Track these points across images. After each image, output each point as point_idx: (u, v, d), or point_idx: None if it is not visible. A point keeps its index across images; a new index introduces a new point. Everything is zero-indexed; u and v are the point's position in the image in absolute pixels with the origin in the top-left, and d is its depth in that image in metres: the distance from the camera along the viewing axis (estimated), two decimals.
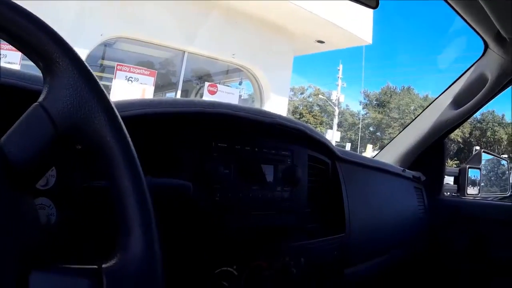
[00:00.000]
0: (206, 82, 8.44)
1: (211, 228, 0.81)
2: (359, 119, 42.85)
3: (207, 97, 8.03)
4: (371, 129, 44.32)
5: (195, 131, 0.81)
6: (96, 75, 0.49)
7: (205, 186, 0.80)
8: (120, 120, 0.48)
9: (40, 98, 0.45)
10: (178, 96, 7.93)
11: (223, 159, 0.83)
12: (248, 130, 0.90)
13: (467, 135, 40.52)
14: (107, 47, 7.24)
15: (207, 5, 7.11)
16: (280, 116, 0.94)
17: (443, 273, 1.81)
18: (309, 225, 1.05)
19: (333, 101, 32.28)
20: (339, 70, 32.66)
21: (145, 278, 0.43)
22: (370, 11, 8.15)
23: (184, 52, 7.83)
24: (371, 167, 1.40)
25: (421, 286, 1.83)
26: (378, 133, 44.09)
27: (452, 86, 1.85)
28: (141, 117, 0.72)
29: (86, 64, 0.47)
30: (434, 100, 1.94)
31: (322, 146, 1.09)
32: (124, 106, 0.71)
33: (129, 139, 0.48)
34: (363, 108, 46.25)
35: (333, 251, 1.07)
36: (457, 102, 1.84)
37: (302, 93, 44.26)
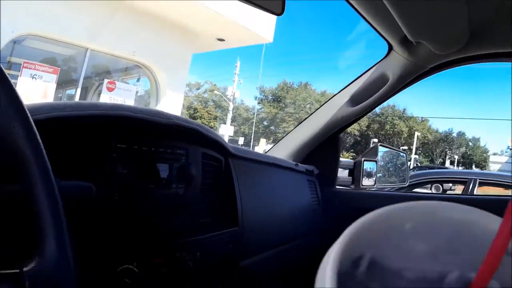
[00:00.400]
0: (105, 79, 8.91)
1: (112, 227, 0.91)
2: (253, 114, 44.44)
3: (105, 94, 8.65)
4: (265, 123, 46.26)
5: (98, 133, 0.91)
6: None
7: (106, 186, 0.90)
8: (35, 128, 0.54)
9: None
10: (78, 93, 8.40)
11: (122, 160, 0.94)
12: (147, 131, 1.02)
13: (364, 128, 43.65)
14: (16, 44, 7.41)
15: (112, 4, 7.40)
16: (176, 117, 1.07)
17: None
18: (203, 220, 1.20)
19: (228, 96, 33.59)
20: (236, 66, 34.00)
21: (61, 278, 0.51)
22: None
23: (87, 49, 8.30)
24: (263, 162, 1.59)
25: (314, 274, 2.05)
26: (272, 127, 46.11)
27: (351, 84, 2.08)
28: (48, 121, 0.80)
29: (2, 67, 0.52)
30: (332, 97, 2.15)
31: (216, 144, 1.25)
32: (34, 109, 0.78)
33: (42, 146, 0.54)
34: (259, 103, 48.26)
35: (228, 244, 1.23)
36: (355, 99, 2.07)
37: (198, 89, 45.51)
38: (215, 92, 41.22)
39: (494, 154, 49.72)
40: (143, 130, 1.02)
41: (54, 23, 7.04)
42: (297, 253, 1.81)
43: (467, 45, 1.68)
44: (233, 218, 1.30)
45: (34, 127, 0.54)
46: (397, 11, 1.37)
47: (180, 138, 1.12)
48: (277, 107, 47.23)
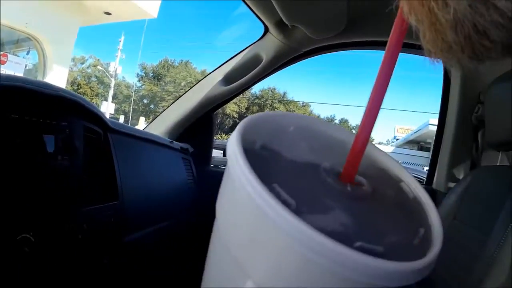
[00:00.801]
0: None
1: (5, 197, 1.03)
2: (134, 91, 43.73)
3: None
4: (145, 101, 45.65)
5: None
6: None
7: (1, 155, 1.03)
8: None
9: None
10: None
11: (14, 130, 1.07)
12: (36, 102, 1.15)
13: (243, 110, 44.62)
14: None
15: None
16: (61, 89, 1.22)
17: (209, 236, 2.24)
18: (86, 192, 1.36)
19: (111, 72, 32.77)
20: (120, 41, 33.29)
21: None
22: None
23: None
24: (139, 138, 1.76)
25: (191, 249, 2.23)
26: (152, 106, 45.64)
27: (225, 63, 2.27)
28: None
29: None
30: (206, 76, 2.35)
31: (96, 117, 1.42)
32: None
33: None
34: (139, 81, 47.44)
35: (110, 218, 1.41)
36: (228, 79, 2.27)
37: (82, 63, 43.82)
38: (98, 67, 39.97)
39: (380, 143, 52.76)
40: (33, 101, 1.14)
41: None
42: (176, 229, 2.00)
43: (343, 31, 1.89)
44: (114, 192, 1.46)
45: None
46: None
47: (64, 110, 1.26)
48: (157, 85, 46.70)
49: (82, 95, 1.32)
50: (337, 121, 52.65)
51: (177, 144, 2.16)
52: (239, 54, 2.23)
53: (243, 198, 0.40)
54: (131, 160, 1.63)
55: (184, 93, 2.41)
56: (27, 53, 10.29)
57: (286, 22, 1.81)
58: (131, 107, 41.22)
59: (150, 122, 2.48)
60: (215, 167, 2.54)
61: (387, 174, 0.54)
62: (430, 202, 0.49)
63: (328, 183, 0.45)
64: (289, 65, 2.26)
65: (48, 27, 8.90)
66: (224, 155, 2.68)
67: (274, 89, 48.05)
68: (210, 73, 2.35)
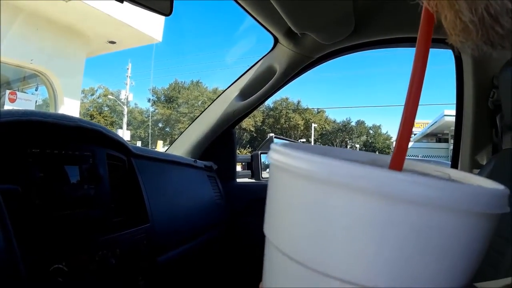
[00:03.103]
0: (7, 90, 9.05)
1: (37, 229, 1.03)
2: (148, 117, 44.43)
3: (8, 106, 8.81)
4: (160, 125, 46.27)
5: (13, 139, 1.03)
6: None
7: (25, 190, 1.01)
8: None
9: None
10: None
11: (37, 164, 1.07)
12: (55, 134, 1.15)
13: (259, 124, 44.76)
14: None
15: (12, 9, 7.24)
16: (80, 119, 1.21)
17: (243, 251, 2.26)
18: (117, 219, 1.36)
19: (122, 100, 33.60)
20: (128, 69, 34.20)
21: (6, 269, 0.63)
22: None
23: None
24: (163, 160, 1.76)
25: (226, 265, 2.26)
26: (168, 129, 46.23)
27: (240, 78, 2.26)
28: None
29: None
30: (222, 93, 2.33)
31: (118, 144, 1.41)
32: None
33: None
34: (152, 105, 48.23)
35: (143, 241, 1.40)
36: (244, 93, 2.25)
37: (92, 95, 45.19)
38: (109, 96, 41.08)
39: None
40: (52, 134, 1.14)
41: None
42: (207, 245, 1.99)
43: (352, 33, 1.88)
44: (143, 215, 1.46)
45: None
46: (280, 4, 1.53)
47: (86, 140, 1.26)
48: (170, 108, 47.43)
49: None
50: (353, 123, 52.51)
51: (200, 163, 2.15)
52: (252, 68, 2.22)
53: (302, 182, 0.34)
54: (157, 183, 1.63)
55: (202, 112, 2.41)
56: (36, 89, 10.25)
57: (295, 31, 1.80)
58: (150, 131, 41.79)
59: (171, 144, 2.48)
60: (240, 181, 2.52)
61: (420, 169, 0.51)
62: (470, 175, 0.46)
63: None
64: (303, 73, 2.24)
65: (54, 61, 8.90)
66: (248, 168, 2.68)
67: (287, 99, 48.21)
68: (226, 89, 2.34)
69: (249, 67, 2.24)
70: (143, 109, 49.08)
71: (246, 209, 2.30)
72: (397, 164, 0.42)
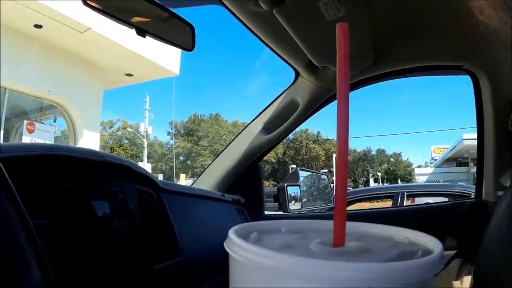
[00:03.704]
0: (24, 121, 9.04)
1: (68, 264, 1.00)
2: (169, 149, 44.85)
3: (26, 136, 8.85)
4: (181, 158, 46.28)
5: (40, 173, 1.01)
6: None
7: (56, 225, 1.00)
8: (3, 168, 0.62)
9: None
10: (1, 135, 8.47)
11: (65, 199, 1.05)
12: (83, 169, 1.14)
13: (281, 156, 44.73)
14: None
15: (27, 39, 7.33)
16: (108, 155, 1.21)
17: None
18: (149, 253, 1.32)
19: (142, 133, 33.92)
20: (146, 102, 34.45)
21: None
22: None
23: (6, 89, 8.28)
24: (191, 194, 1.74)
25: None
26: (189, 162, 46.26)
27: (263, 112, 2.25)
28: None
29: None
30: (246, 127, 2.33)
31: (146, 179, 1.40)
32: None
33: (7, 178, 0.61)
34: (171, 138, 48.61)
35: (175, 275, 1.37)
36: (268, 127, 2.24)
37: (111, 127, 45.45)
38: (128, 129, 41.45)
39: (419, 166, 52.06)
40: (80, 169, 1.13)
41: None
42: None
43: (372, 64, 1.87)
44: (175, 249, 1.43)
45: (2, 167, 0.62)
46: (300, 39, 1.54)
47: (114, 176, 1.25)
48: (190, 141, 47.72)
49: None
50: (374, 152, 52.22)
51: (228, 196, 2.12)
52: (275, 102, 2.21)
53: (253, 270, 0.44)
54: (187, 217, 1.60)
55: (227, 147, 2.40)
56: (54, 121, 10.25)
57: (316, 64, 1.80)
58: (174, 164, 41.93)
59: (196, 178, 2.47)
60: (268, 213, 2.48)
61: (381, 235, 0.56)
62: (428, 236, 0.50)
63: (320, 248, 0.48)
64: (325, 106, 2.21)
65: (72, 92, 8.92)
66: (275, 200, 2.64)
67: (307, 130, 48.30)
68: (249, 123, 2.33)
69: (271, 100, 2.24)
70: (163, 142, 49.49)
71: None
72: (339, 241, 0.48)
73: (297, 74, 2.03)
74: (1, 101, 8.35)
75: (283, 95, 2.17)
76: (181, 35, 1.45)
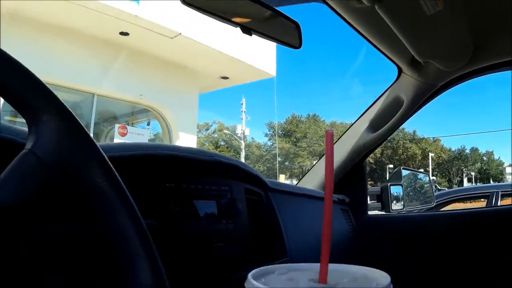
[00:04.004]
0: (116, 124, 9.19)
1: (176, 265, 0.94)
2: (266, 151, 44.85)
3: (118, 139, 8.86)
4: (279, 159, 46.26)
5: (146, 173, 0.94)
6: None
7: (163, 225, 0.93)
8: (109, 162, 0.55)
9: (28, 146, 0.50)
10: None
11: (173, 199, 0.98)
12: (191, 168, 1.06)
13: (378, 155, 43.62)
14: None
15: (113, 47, 7.55)
16: (216, 154, 1.12)
17: None
18: (257, 254, 1.24)
19: (238, 135, 33.91)
20: (242, 104, 34.49)
21: None
22: (273, 44, 9.24)
23: (94, 94, 8.50)
24: (298, 194, 1.63)
25: None
26: (287, 163, 46.11)
27: (368, 110, 2.13)
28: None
29: (70, 110, 0.54)
30: (351, 126, 2.22)
31: (255, 178, 1.30)
32: None
33: (119, 179, 0.55)
34: (269, 140, 48.56)
35: None
36: (374, 125, 2.11)
37: (207, 129, 46.31)
38: (225, 131, 41.94)
39: (510, 165, 49.16)
40: (187, 169, 1.05)
41: (59, 70, 7.16)
42: None
43: (472, 58, 1.73)
44: (282, 249, 1.33)
45: (109, 161, 0.55)
46: (403, 33, 1.44)
47: (222, 175, 1.15)
48: (288, 142, 47.59)
49: None
50: (468, 151, 49.55)
51: (334, 196, 1.97)
52: (379, 100, 2.09)
53: None
54: (293, 216, 1.49)
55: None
56: (148, 124, 10.22)
57: (419, 60, 1.71)
58: (277, 163, 42.01)
59: (302, 178, 2.36)
60: (371, 214, 2.32)
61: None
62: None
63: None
64: (428, 102, 2.07)
65: (166, 96, 8.89)
66: (378, 200, 2.47)
67: (403, 129, 46.59)
68: (354, 123, 2.21)
69: (375, 99, 2.12)
70: (261, 144, 49.58)
71: (379, 242, 2.10)
72: (322, 278, 0.49)
73: (400, 71, 1.92)
74: (91, 107, 8.57)
75: (387, 92, 2.06)
76: (287, 33, 1.36)
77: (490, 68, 1.90)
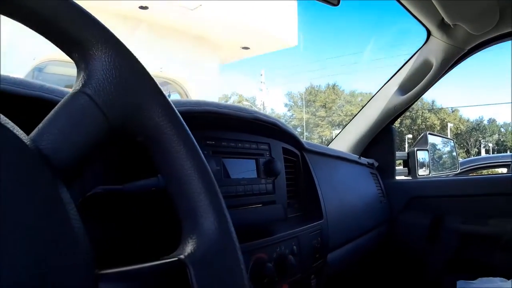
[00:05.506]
0: None
1: None
2: (287, 121, 44.55)
3: None
4: (299, 130, 46.02)
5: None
6: None
7: None
8: (171, 103, 0.49)
9: (78, 86, 0.43)
10: None
11: (213, 157, 0.93)
12: (230, 126, 1.01)
13: (397, 125, 43.19)
14: (38, 72, 7.24)
15: (132, 21, 7.49)
16: (256, 111, 1.07)
17: (404, 251, 2.07)
18: (293, 214, 1.21)
19: (258, 106, 33.51)
20: (261, 75, 33.90)
21: (228, 256, 0.47)
22: (294, 12, 9.04)
23: None
24: (332, 156, 1.59)
25: (388, 265, 2.08)
26: (307, 133, 45.89)
27: (397, 73, 2.11)
28: None
29: (123, 43, 0.46)
30: (380, 89, 2.18)
31: (292, 138, 1.25)
32: None
33: (183, 122, 0.49)
34: (289, 110, 48.14)
35: (317, 237, 1.22)
36: (403, 88, 2.10)
37: (226, 101, 45.86)
38: (244, 102, 41.62)
39: None
40: (227, 126, 1.01)
41: None
42: (372, 243, 1.82)
43: (498, 23, 1.73)
44: (318, 211, 1.29)
45: (171, 102, 0.49)
46: None
47: (262, 133, 1.11)
48: (308, 112, 47.26)
49: None
50: (486, 122, 48.77)
51: (364, 160, 1.97)
52: (409, 62, 2.08)
53: None
54: (328, 178, 1.45)
55: (362, 108, 2.25)
56: (168, 96, 10.31)
57: (448, 22, 1.72)
58: (304, 131, 41.77)
59: (334, 138, 2.33)
60: (399, 179, 2.30)
61: None
62: None
63: None
64: (456, 66, 2.07)
65: (187, 69, 8.90)
66: (404, 165, 2.43)
67: (422, 99, 45.90)
68: (383, 86, 2.18)
69: (405, 61, 2.10)
70: (280, 114, 49.19)
71: (406, 207, 2.07)
72: None
73: (429, 34, 1.92)
74: None
75: (416, 55, 2.05)
76: None
77: None
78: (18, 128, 0.36)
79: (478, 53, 2.01)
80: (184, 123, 0.49)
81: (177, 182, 0.48)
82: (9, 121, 0.36)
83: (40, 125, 0.39)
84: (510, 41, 1.93)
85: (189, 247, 0.45)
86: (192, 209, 0.47)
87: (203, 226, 0.47)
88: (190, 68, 8.86)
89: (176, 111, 0.49)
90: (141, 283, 0.40)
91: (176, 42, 8.43)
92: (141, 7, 7.74)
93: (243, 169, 1.03)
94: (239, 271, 0.48)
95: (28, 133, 0.38)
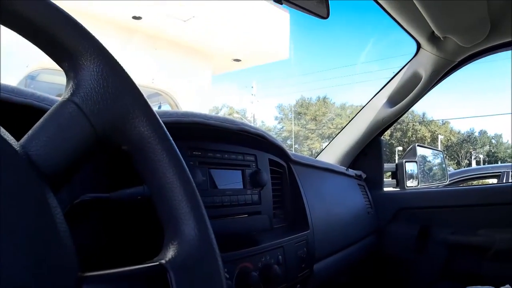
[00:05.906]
0: None
1: None
2: (276, 134, 44.53)
3: None
4: (288, 142, 46.06)
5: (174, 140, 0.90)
6: None
7: None
8: (156, 113, 0.50)
9: (67, 95, 0.43)
10: None
11: (199, 167, 0.94)
12: (217, 137, 1.03)
13: (387, 138, 43.31)
14: (30, 80, 7.19)
15: (126, 31, 7.46)
16: (243, 123, 1.08)
17: (392, 262, 2.08)
18: (279, 225, 1.22)
19: (248, 118, 33.42)
20: (252, 87, 33.89)
21: (208, 262, 0.48)
22: (286, 26, 9.02)
23: None
24: (319, 167, 1.60)
25: (375, 276, 2.10)
26: (297, 146, 45.93)
27: (386, 86, 2.13)
28: None
29: (111, 54, 0.47)
30: (370, 101, 2.20)
31: (279, 150, 1.26)
32: None
33: (167, 132, 0.50)
34: (279, 123, 48.21)
35: (303, 247, 1.23)
36: (392, 100, 2.12)
37: (216, 113, 45.65)
38: (234, 115, 41.56)
39: None
40: (214, 137, 1.02)
41: None
42: (360, 253, 1.83)
43: (489, 35, 1.74)
44: (304, 222, 1.30)
45: (156, 113, 0.50)
46: (425, 7, 1.44)
47: (248, 144, 1.13)
48: (298, 125, 47.34)
49: None
50: (477, 133, 49.06)
51: (352, 171, 1.99)
52: (398, 75, 2.09)
53: None
54: (315, 189, 1.46)
55: (350, 121, 2.27)
56: (159, 108, 10.11)
57: (438, 34, 1.73)
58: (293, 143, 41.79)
59: (323, 150, 2.35)
60: (387, 190, 2.31)
61: None
62: None
63: None
64: (445, 78, 2.09)
65: (178, 80, 8.84)
66: (393, 177, 2.45)
67: (413, 111, 46.11)
68: (372, 98, 2.19)
69: (394, 74, 2.12)
70: (270, 127, 49.18)
71: (394, 218, 2.09)
72: None
73: (419, 46, 1.93)
74: None
75: (406, 67, 2.06)
76: (315, 3, 1.33)
77: (506, 46, 1.90)
78: (8, 134, 0.38)
79: (470, 64, 2.03)
80: (168, 133, 0.50)
81: (160, 190, 0.49)
82: (0, 127, 0.37)
83: (30, 131, 0.41)
84: (501, 52, 1.97)
85: (170, 253, 0.46)
86: (174, 216, 0.48)
87: (184, 232, 0.48)
88: (182, 79, 8.84)
89: (161, 122, 0.50)
90: (123, 286, 0.41)
91: (168, 53, 8.40)
92: (135, 17, 7.72)
93: (230, 180, 1.04)
94: (218, 277, 0.49)
95: (18, 140, 0.39)
